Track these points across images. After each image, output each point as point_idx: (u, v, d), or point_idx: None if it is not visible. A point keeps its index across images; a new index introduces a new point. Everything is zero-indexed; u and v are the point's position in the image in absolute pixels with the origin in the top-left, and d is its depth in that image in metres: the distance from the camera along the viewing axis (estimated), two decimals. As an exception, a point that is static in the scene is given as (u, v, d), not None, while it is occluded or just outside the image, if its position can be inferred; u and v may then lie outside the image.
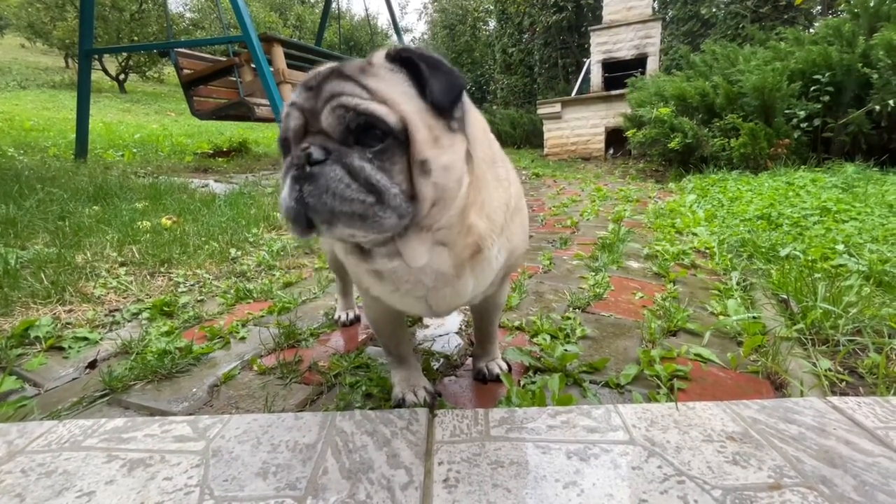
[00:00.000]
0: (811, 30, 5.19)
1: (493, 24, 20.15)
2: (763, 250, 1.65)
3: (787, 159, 3.79)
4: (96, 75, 14.64)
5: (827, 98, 3.87)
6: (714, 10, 7.25)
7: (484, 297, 0.76)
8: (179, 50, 4.22)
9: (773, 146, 3.78)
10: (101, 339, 1.18)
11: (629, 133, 5.11)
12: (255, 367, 1.01)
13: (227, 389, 0.94)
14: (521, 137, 11.68)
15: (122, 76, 13.25)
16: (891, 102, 3.50)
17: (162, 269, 1.76)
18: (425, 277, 0.62)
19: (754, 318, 1.11)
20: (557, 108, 9.28)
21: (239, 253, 1.96)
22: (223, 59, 4.53)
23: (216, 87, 4.50)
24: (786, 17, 6.63)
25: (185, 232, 2.16)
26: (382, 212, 0.50)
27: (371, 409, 0.80)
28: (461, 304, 0.72)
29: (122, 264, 1.81)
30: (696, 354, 0.97)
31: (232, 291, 1.49)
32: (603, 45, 9.05)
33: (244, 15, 3.56)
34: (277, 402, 0.89)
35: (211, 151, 6.23)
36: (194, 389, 0.94)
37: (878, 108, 3.59)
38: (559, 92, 11.96)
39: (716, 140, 4.09)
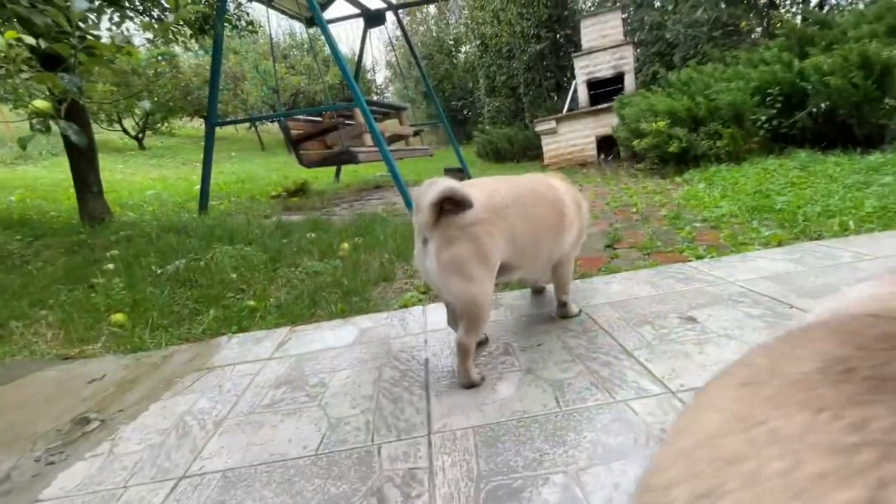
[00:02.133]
0: (760, 49, 6.78)
1: (466, 48, 21.90)
2: (766, 208, 2.96)
3: (758, 152, 5.24)
4: (113, 135, 15.46)
5: (779, 105, 5.36)
6: (676, 33, 8.89)
7: None
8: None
9: (747, 143, 5.23)
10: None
11: (634, 143, 6.52)
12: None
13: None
14: (518, 152, 13.10)
15: (140, 135, 14.19)
16: (822, 105, 4.99)
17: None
18: None
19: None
20: (553, 124, 10.76)
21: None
22: (319, 119, 5.73)
23: (315, 142, 5.70)
24: (734, 38, 8.30)
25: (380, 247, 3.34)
26: None
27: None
28: None
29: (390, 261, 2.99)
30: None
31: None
32: (585, 68, 10.60)
33: (356, 89, 4.80)
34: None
35: (284, 193, 7.34)
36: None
37: (815, 109, 5.08)
38: (547, 110, 13.51)
39: (704, 143, 5.51)
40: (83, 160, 4.73)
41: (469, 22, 14.85)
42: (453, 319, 1.39)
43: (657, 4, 9.62)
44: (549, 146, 10.98)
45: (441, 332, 1.60)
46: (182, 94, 14.93)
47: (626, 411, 0.99)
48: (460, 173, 8.71)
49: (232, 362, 1.62)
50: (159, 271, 3.02)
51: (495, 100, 14.80)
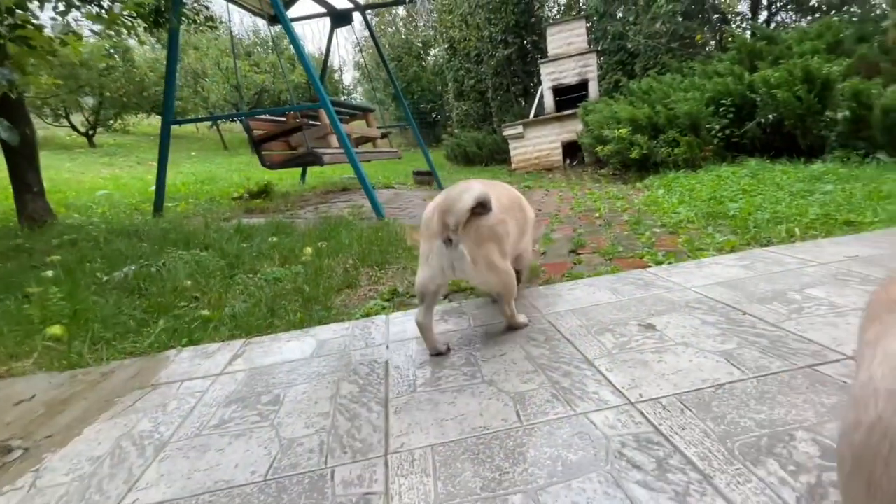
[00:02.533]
0: (714, 61, 7.11)
1: (434, 51, 21.94)
2: (720, 214, 3.08)
3: (713, 159, 5.48)
4: (59, 131, 14.52)
5: (731, 115, 5.63)
6: (637, 43, 9.21)
7: None
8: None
9: (703, 151, 5.46)
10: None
11: (598, 149, 6.69)
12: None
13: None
14: (486, 156, 13.22)
15: (90, 131, 13.38)
16: (770, 116, 5.27)
17: (382, 267, 2.89)
18: None
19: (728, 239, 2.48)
20: (520, 129, 10.93)
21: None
22: (283, 119, 5.56)
23: (278, 143, 5.53)
24: (691, 50, 8.68)
25: (345, 251, 3.26)
26: None
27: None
28: None
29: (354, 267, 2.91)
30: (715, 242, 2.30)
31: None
32: (551, 74, 10.83)
33: (321, 89, 4.69)
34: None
35: (246, 195, 7.08)
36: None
37: (763, 120, 5.37)
38: (514, 114, 13.70)
39: (663, 149, 5.72)
40: (21, 158, 4.40)
41: (438, 25, 14.88)
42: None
43: (619, 15, 9.94)
44: (517, 150, 11.14)
45: (404, 343, 1.56)
46: (137, 90, 14.21)
47: (586, 424, 0.98)
48: (429, 176, 8.68)
49: (179, 378, 1.51)
50: (105, 278, 2.83)
51: (464, 103, 14.88)
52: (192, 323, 2.08)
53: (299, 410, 1.20)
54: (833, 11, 9.90)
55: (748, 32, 8.18)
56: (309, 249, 3.36)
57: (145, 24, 6.53)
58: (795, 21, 11.50)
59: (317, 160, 5.11)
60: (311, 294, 2.38)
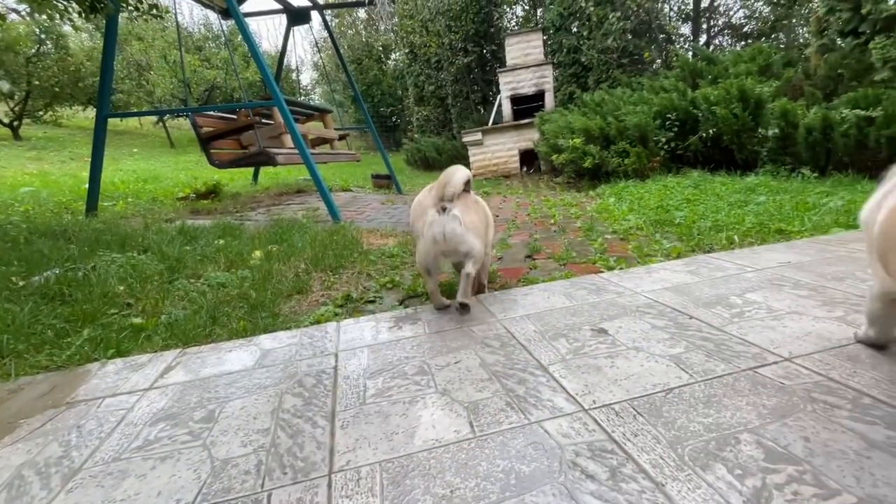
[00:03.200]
0: (660, 77, 7.50)
1: (395, 55, 21.87)
2: (667, 221, 3.22)
3: (660, 170, 5.76)
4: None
5: (676, 129, 5.96)
6: (591, 58, 9.58)
7: None
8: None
9: (651, 162, 5.73)
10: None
11: (553, 157, 6.86)
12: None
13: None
14: (446, 161, 13.25)
15: (15, 122, 12.18)
16: (710, 131, 5.63)
17: (336, 272, 2.79)
18: None
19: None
20: (479, 136, 11.06)
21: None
22: (234, 116, 5.30)
23: (228, 141, 5.27)
24: (639, 66, 9.14)
25: (298, 255, 3.14)
26: None
27: (561, 287, 2.07)
28: None
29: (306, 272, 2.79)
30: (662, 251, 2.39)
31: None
32: (509, 84, 11.05)
33: (275, 87, 4.51)
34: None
35: (193, 195, 6.69)
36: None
37: (704, 135, 5.71)
38: (474, 121, 13.87)
39: (614, 160, 5.95)
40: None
41: (398, 30, 14.83)
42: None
43: (574, 30, 10.31)
44: (476, 157, 11.25)
45: (355, 352, 1.48)
46: (72, 80, 13.12)
47: (540, 434, 0.96)
48: (388, 180, 8.58)
49: (101, 395, 1.36)
50: (21, 283, 2.55)
51: (424, 109, 14.90)
52: (122, 332, 1.90)
53: (236, 427, 1.10)
54: (763, 38, 10.79)
55: (690, 53, 8.73)
56: (258, 253, 3.19)
57: (80, 9, 6.05)
58: (731, 45, 12.42)
59: (270, 160, 4.91)
60: (258, 300, 2.24)
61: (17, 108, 12.25)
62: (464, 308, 1.65)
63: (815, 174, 4.59)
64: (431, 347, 1.45)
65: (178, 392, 1.33)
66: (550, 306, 1.69)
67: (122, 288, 2.51)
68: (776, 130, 5.07)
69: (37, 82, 11.59)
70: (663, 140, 5.86)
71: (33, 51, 11.35)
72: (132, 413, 1.23)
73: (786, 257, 2.03)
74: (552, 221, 3.90)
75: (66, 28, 12.75)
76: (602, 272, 2.14)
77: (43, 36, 11.56)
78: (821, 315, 1.40)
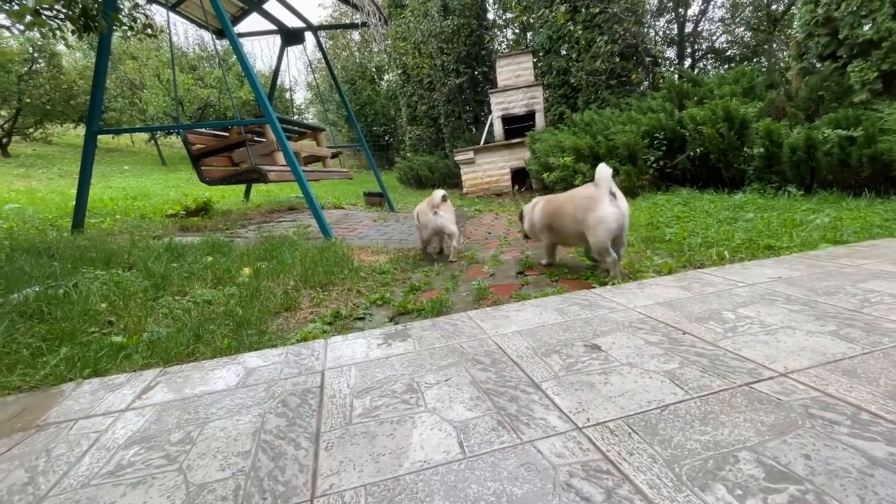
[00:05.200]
0: (648, 98, 7.67)
1: (388, 76, 22.22)
2: (657, 238, 3.24)
3: (649, 188, 5.83)
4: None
5: (664, 148, 6.06)
6: (580, 79, 9.80)
7: None
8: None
9: (640, 180, 5.81)
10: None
11: (544, 175, 6.93)
12: (476, 307, 2.18)
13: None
14: (438, 180, 13.36)
15: (4, 139, 12.08)
16: (698, 150, 5.73)
17: (326, 289, 2.75)
18: None
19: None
20: (471, 154, 11.18)
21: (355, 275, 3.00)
22: (226, 134, 5.30)
23: (219, 158, 5.26)
24: (627, 88, 9.36)
25: (285, 271, 3.10)
26: None
27: (553, 303, 2.05)
28: None
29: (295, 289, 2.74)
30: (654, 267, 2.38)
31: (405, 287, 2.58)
32: (501, 104, 11.23)
33: (267, 104, 4.53)
34: (505, 313, 2.09)
35: (183, 212, 6.63)
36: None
37: (692, 153, 5.82)
38: (466, 141, 14.02)
39: (604, 178, 6.02)
40: None
41: (391, 51, 15.12)
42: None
43: (563, 52, 10.57)
44: (468, 175, 11.34)
45: (343, 370, 1.44)
46: (63, 98, 13.11)
47: (533, 454, 0.92)
48: (380, 198, 8.59)
49: (74, 417, 1.30)
50: (-1, 302, 2.47)
51: (417, 128, 15.06)
52: (100, 351, 1.83)
53: (215, 450, 1.05)
54: (745, 61, 11.15)
55: (676, 75, 8.97)
56: (247, 270, 3.15)
57: (74, 28, 6.08)
58: (715, 68, 12.81)
59: (261, 177, 4.88)
60: (245, 317, 2.19)
61: (6, 126, 12.17)
62: (450, 262, 3.21)
63: (801, 192, 4.67)
64: (421, 365, 1.41)
65: (155, 413, 1.27)
66: (543, 322, 1.66)
67: (104, 305, 2.44)
68: (761, 150, 5.17)
69: (28, 100, 11.57)
70: (652, 159, 5.95)
71: (25, 69, 11.35)
72: (105, 436, 1.17)
73: (776, 272, 2.03)
74: (544, 238, 3.91)
75: (60, 46, 12.82)
76: (594, 288, 2.13)
77: (36, 54, 11.59)
78: (814, 329, 1.39)
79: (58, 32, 5.89)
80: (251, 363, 1.56)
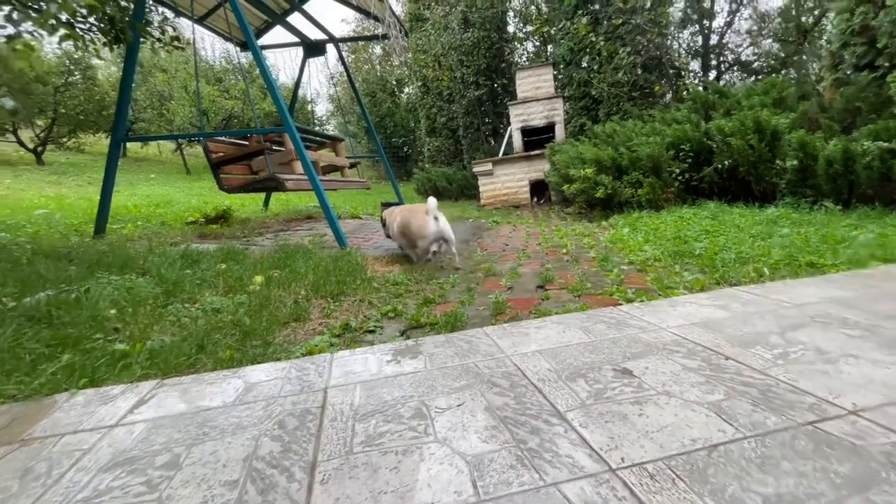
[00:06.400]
0: (672, 110, 7.48)
1: (408, 90, 22.46)
2: (686, 253, 3.06)
3: (674, 201, 5.62)
4: (5, 146, 13.63)
5: (690, 160, 5.86)
6: (601, 91, 9.66)
7: None
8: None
9: (665, 193, 5.61)
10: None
11: (564, 187, 6.78)
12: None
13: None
14: (456, 191, 13.30)
15: (39, 148, 12.58)
16: (725, 163, 5.51)
17: (337, 299, 2.66)
18: None
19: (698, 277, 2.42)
20: (489, 166, 11.09)
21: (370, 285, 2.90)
22: (245, 143, 5.34)
23: (238, 166, 5.29)
24: (650, 100, 9.17)
25: (301, 280, 3.02)
26: None
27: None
28: None
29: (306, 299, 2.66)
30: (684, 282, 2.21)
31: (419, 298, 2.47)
32: (520, 116, 11.15)
33: (286, 114, 4.53)
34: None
35: (202, 220, 6.69)
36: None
37: (719, 166, 5.60)
38: (484, 152, 13.97)
39: (627, 190, 5.83)
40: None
41: (412, 63, 15.27)
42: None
43: (584, 64, 10.47)
44: (486, 187, 11.26)
45: (347, 389, 1.33)
46: (96, 109, 13.61)
47: (558, 499, 0.79)
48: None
49: (61, 431, 1.21)
50: (12, 304, 2.45)
51: (435, 140, 15.09)
52: (102, 359, 1.77)
53: (200, 477, 0.95)
54: (773, 74, 10.84)
55: (701, 87, 8.75)
56: (259, 278, 3.08)
57: (105, 39, 6.27)
58: (741, 80, 12.51)
59: (279, 186, 4.87)
60: (252, 327, 2.11)
61: (41, 135, 12.68)
62: (456, 270, 3.32)
63: (839, 207, 4.41)
64: (432, 386, 1.28)
65: (144, 431, 1.18)
66: (566, 341, 1.52)
67: (113, 311, 2.40)
68: (795, 162, 4.93)
69: (62, 110, 12.02)
70: (677, 171, 5.75)
71: (62, 81, 11.82)
72: (89, 455, 1.08)
73: (825, 292, 1.85)
74: (564, 251, 3.76)
75: (95, 60, 13.36)
76: (621, 304, 1.98)
77: (72, 67, 12.09)
78: (881, 359, 1.22)
79: (90, 45, 6.07)
80: (252, 377, 1.46)
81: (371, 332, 2.07)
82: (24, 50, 5.92)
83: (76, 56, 11.69)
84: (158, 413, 1.27)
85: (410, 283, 2.97)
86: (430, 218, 3.25)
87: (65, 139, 13.76)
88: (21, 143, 12.93)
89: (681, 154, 5.84)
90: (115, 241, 4.53)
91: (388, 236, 4.02)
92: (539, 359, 1.40)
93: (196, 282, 3.01)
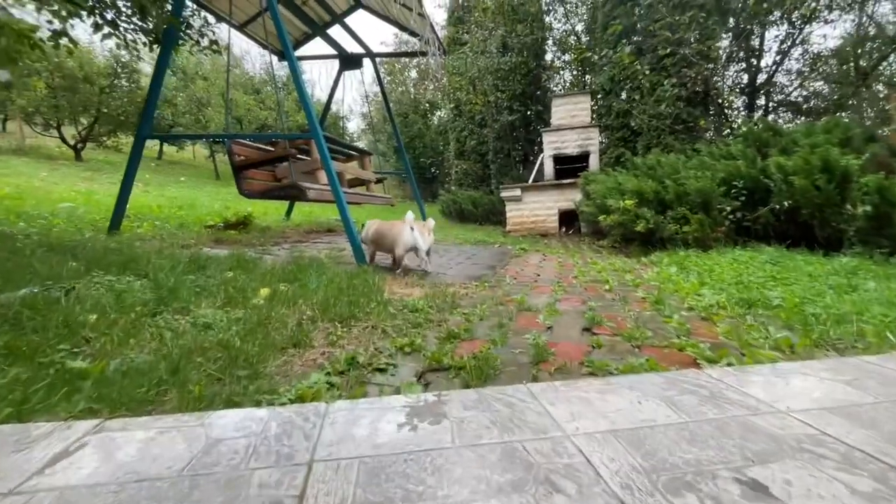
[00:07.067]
0: (721, 144, 7.02)
1: (440, 113, 22.61)
2: (758, 302, 2.59)
3: (724, 242, 5.11)
4: (49, 141, 14.12)
5: (743, 198, 5.37)
6: (641, 122, 9.29)
7: None
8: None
9: (714, 231, 5.11)
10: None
11: (600, 218, 6.35)
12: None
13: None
14: (482, 216, 12.98)
15: (79, 145, 12.95)
16: (785, 203, 5.00)
17: (346, 324, 2.29)
18: None
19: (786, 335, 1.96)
20: (518, 192, 10.76)
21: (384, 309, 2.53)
22: (271, 147, 5.15)
23: (262, 171, 5.09)
24: (694, 134, 8.74)
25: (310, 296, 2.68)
26: None
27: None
28: None
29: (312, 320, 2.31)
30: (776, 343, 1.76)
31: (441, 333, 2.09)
32: (553, 143, 10.85)
33: (314, 120, 4.31)
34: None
35: (221, 224, 6.52)
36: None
37: (777, 206, 5.09)
38: (513, 178, 13.68)
39: (670, 226, 5.37)
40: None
41: (446, 86, 15.28)
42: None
43: (623, 95, 10.17)
44: (513, 213, 10.90)
45: (340, 467, 0.94)
46: (137, 110, 14.02)
47: None
48: (420, 228, 8.27)
49: (-61, 493, 0.86)
50: (-15, 301, 2.18)
51: (464, 162, 14.92)
52: (49, 378, 1.43)
53: None
54: (823, 116, 10.29)
55: (752, 124, 8.28)
56: (265, 290, 2.76)
57: (147, 40, 6.30)
58: (789, 121, 11.95)
59: (301, 194, 4.63)
60: (241, 351, 1.76)
61: (83, 132, 13.06)
62: (426, 273, 3.84)
63: (925, 261, 3.85)
64: (461, 478, 0.88)
65: (44, 508, 0.81)
66: (648, 418, 1.10)
67: (93, 317, 2.09)
68: (869, 208, 4.40)
69: (105, 110, 12.38)
70: (728, 209, 5.26)
71: (108, 83, 12.22)
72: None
73: None
74: (606, 288, 3.32)
75: (142, 65, 13.83)
76: (702, 365, 1.54)
77: (119, 69, 12.52)
78: None
79: (132, 45, 6.07)
80: (218, 429, 1.09)
81: (382, 370, 1.69)
82: (69, 46, 5.97)
83: (123, 59, 12.10)
84: (78, 476, 0.91)
85: (431, 311, 2.58)
86: (407, 228, 3.75)
87: (105, 138, 14.17)
88: (63, 140, 13.35)
89: (733, 191, 5.36)
90: (127, 240, 4.32)
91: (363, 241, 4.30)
92: (614, 445, 0.99)
93: (195, 290, 2.71)
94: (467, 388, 1.38)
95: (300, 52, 8.02)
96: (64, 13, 5.47)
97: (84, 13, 5.65)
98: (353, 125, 29.68)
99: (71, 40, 5.78)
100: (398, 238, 3.77)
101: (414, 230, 3.72)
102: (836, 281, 3.16)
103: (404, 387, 1.47)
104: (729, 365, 1.54)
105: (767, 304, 2.54)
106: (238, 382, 1.55)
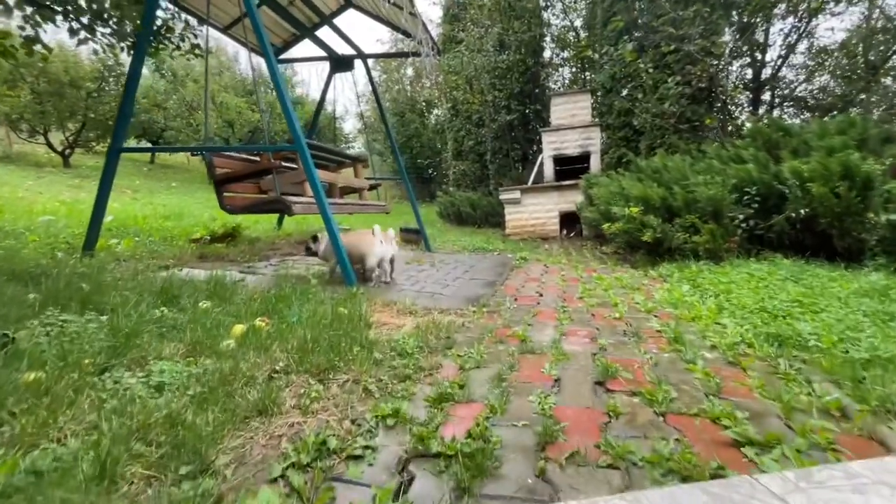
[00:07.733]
0: (726, 144, 6.72)
1: (437, 111, 22.24)
2: (788, 338, 2.31)
3: (736, 252, 4.83)
4: (37, 148, 13.79)
5: (756, 206, 5.08)
6: (644, 121, 8.98)
7: None
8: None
9: (727, 242, 4.82)
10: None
11: (604, 225, 6.06)
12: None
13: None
14: (480, 218, 12.68)
15: (67, 151, 12.63)
16: (802, 211, 4.71)
17: (324, 377, 2.00)
18: None
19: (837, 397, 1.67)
20: (517, 194, 10.46)
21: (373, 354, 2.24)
22: (257, 158, 4.85)
23: (246, 185, 4.78)
24: (699, 133, 8.44)
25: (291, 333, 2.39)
26: None
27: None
28: None
29: (279, 372, 2.02)
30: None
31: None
32: (553, 143, 10.55)
33: (297, 130, 4.01)
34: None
35: (207, 238, 6.23)
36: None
37: (793, 214, 4.79)
38: (512, 179, 13.37)
39: (679, 235, 5.07)
40: None
41: (442, 85, 14.93)
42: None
43: (625, 92, 9.85)
44: (512, 216, 10.61)
45: None
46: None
47: None
48: (416, 235, 7.97)
49: None
50: None
51: (462, 163, 14.61)
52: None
53: None
54: (831, 111, 9.96)
55: (759, 122, 7.96)
56: (238, 329, 2.47)
57: (124, 44, 5.98)
58: (794, 117, 11.63)
59: (286, 209, 4.32)
60: (192, 430, 1.47)
61: (70, 138, 12.73)
62: (387, 283, 4.00)
63: (958, 277, 3.56)
64: None
65: None
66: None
67: (31, 376, 1.80)
68: (893, 216, 4.12)
69: (93, 115, 12.05)
70: (741, 217, 4.97)
71: (95, 87, 11.87)
72: None
73: None
74: (616, 316, 3.02)
75: (127, 68, 13.46)
76: (745, 452, 1.25)
77: (106, 73, 12.18)
78: None
79: (108, 49, 5.73)
80: None
81: (357, 458, 1.40)
82: (43, 53, 5.63)
83: (110, 63, 11.77)
84: None
85: (422, 354, 2.30)
86: (377, 241, 3.85)
87: (94, 143, 13.85)
88: (50, 146, 13.02)
89: (745, 198, 5.07)
90: (98, 263, 4.02)
91: (315, 253, 4.23)
92: None
93: (159, 332, 2.42)
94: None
95: (289, 53, 7.70)
96: (38, 18, 5.16)
97: (59, 17, 5.34)
98: (349, 125, 29.29)
99: (45, 46, 5.47)
100: (368, 250, 3.85)
101: (383, 243, 3.90)
102: (870, 307, 2.87)
103: (380, 495, 1.18)
104: (783, 456, 1.25)
105: (800, 343, 2.25)
106: (178, 484, 1.27)
